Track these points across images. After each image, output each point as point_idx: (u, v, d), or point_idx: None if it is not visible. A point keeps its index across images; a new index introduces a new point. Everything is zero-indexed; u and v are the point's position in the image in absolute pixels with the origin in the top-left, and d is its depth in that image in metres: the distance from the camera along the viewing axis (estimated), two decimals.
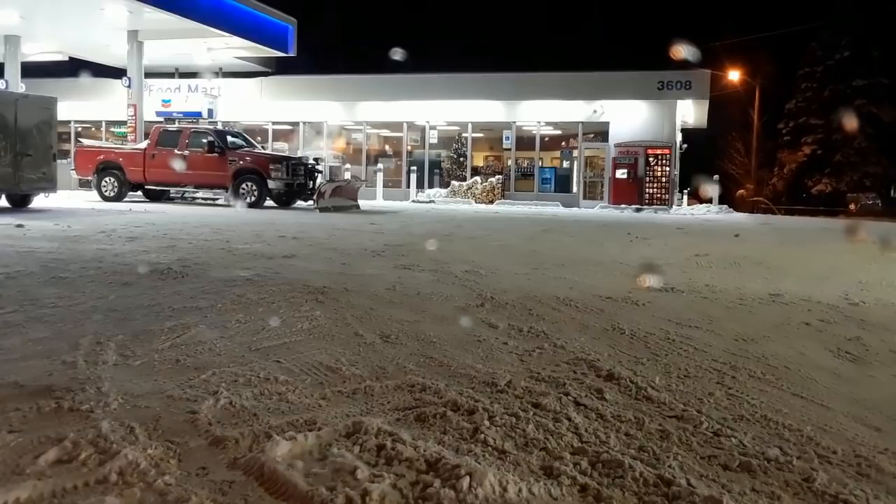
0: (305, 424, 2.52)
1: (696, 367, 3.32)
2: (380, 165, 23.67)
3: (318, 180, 16.79)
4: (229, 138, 16.98)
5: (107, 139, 26.45)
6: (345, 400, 2.84)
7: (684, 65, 22.33)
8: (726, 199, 29.14)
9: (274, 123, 26.57)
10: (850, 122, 34.06)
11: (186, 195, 17.77)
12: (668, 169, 22.53)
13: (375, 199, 21.52)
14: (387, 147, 27.11)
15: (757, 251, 8.43)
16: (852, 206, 37.73)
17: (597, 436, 2.50)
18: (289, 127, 27.01)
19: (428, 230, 10.87)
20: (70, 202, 15.39)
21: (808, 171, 41.84)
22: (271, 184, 15.78)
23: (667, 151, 22.55)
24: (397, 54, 21.16)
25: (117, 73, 23.92)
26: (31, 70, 22.67)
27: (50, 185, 13.18)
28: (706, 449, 2.45)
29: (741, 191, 42.39)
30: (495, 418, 2.57)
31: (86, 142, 20.12)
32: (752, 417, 2.74)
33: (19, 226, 9.06)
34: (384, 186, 22.89)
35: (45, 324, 3.86)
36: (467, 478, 2.06)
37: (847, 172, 40.73)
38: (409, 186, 23.62)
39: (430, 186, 24.51)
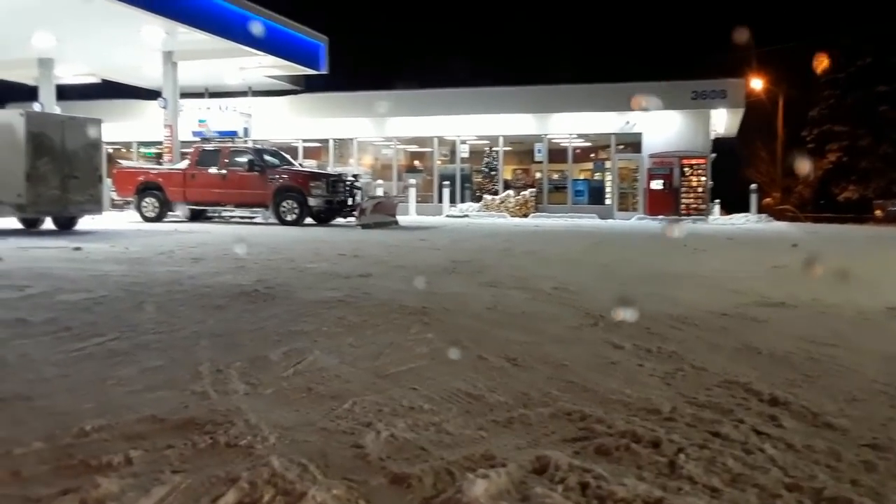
0: (483, 459, 2.36)
1: (858, 389, 3.13)
2: (412, 181, 23.62)
3: (358, 197, 16.72)
4: (267, 156, 16.97)
5: (137, 160, 26.64)
6: (503, 430, 2.68)
7: (719, 73, 22.15)
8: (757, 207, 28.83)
9: (304, 141, 26.63)
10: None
11: (224, 214, 17.76)
12: (703, 179, 22.29)
13: (409, 215, 21.43)
14: (416, 162, 27.08)
15: (830, 261, 8.20)
16: (879, 213, 37.18)
17: (800, 468, 2.32)
18: (318, 144, 27.07)
19: (480, 245, 10.72)
20: (112, 223, 15.39)
21: (834, 179, 41.38)
22: (312, 201, 15.72)
23: (702, 161, 22.33)
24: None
25: (148, 94, 24.12)
26: (62, 92, 22.87)
27: (96, 206, 13.19)
28: None
29: (767, 199, 41.90)
30: (686, 450, 2.40)
31: (125, 163, 20.21)
32: None
33: (77, 248, 9.01)
34: (416, 202, 22.83)
35: (154, 351, 3.74)
36: None
37: (874, 179, 40.22)
38: (441, 201, 23.52)
39: (462, 201, 24.40)
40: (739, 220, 21.67)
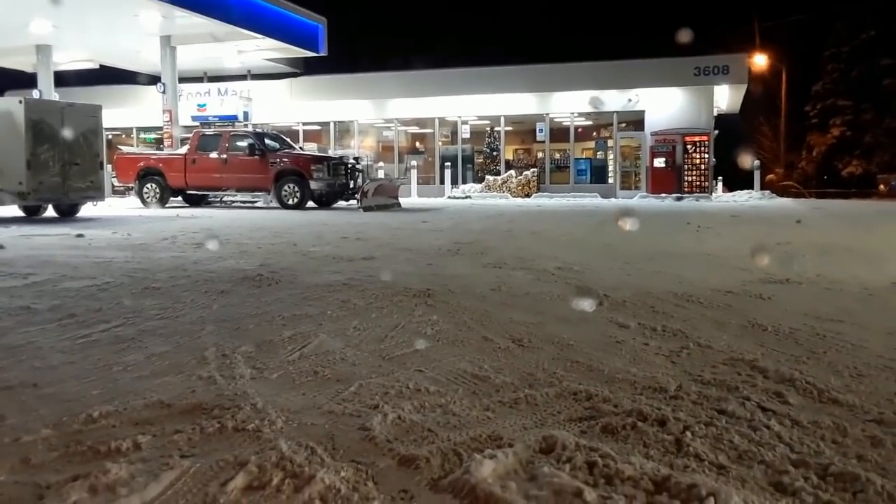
0: (490, 440, 2.37)
1: (864, 364, 3.13)
2: (413, 162, 23.54)
3: (360, 180, 16.68)
4: (267, 140, 16.91)
5: (137, 145, 26.58)
6: (509, 411, 2.69)
7: (722, 49, 22.00)
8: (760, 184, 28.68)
9: (304, 124, 26.52)
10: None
11: (226, 199, 17.74)
12: (706, 156, 22.20)
13: (410, 197, 21.39)
14: (418, 144, 26.97)
15: (834, 237, 8.19)
16: (882, 187, 37.02)
17: (805, 444, 2.32)
18: (318, 127, 26.96)
19: (484, 226, 10.71)
20: (113, 210, 15.38)
21: (837, 154, 41.21)
22: (313, 184, 15.68)
23: (705, 138, 22.22)
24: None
25: (147, 79, 24.01)
26: (61, 79, 22.78)
27: (97, 193, 13.17)
28: None
29: (771, 175, 41.76)
30: (692, 428, 2.40)
31: (125, 148, 20.16)
32: None
33: (79, 235, 9.01)
34: (417, 183, 22.78)
35: (159, 337, 3.74)
36: (711, 499, 1.89)
37: (877, 153, 40.06)
38: (443, 182, 23.46)
39: (464, 182, 24.34)
40: (743, 197, 21.60)
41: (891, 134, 39.54)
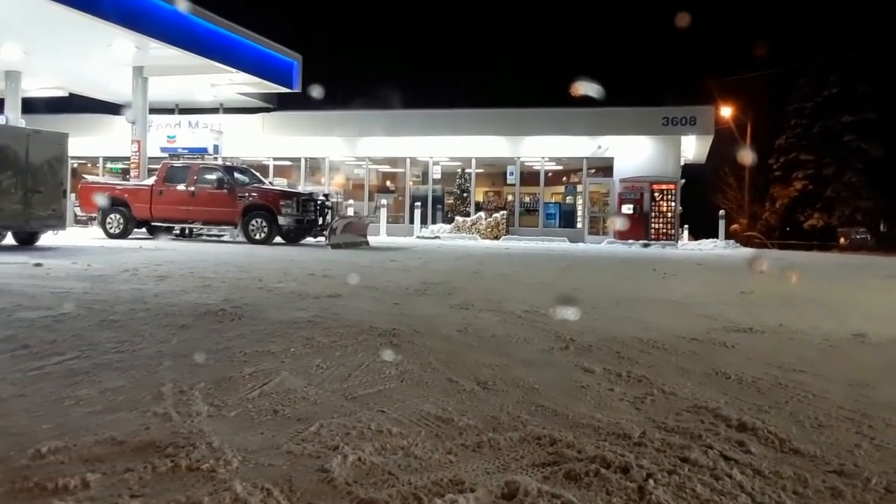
0: (452, 484, 2.32)
1: (825, 415, 3.15)
2: (383, 201, 23.59)
3: (329, 217, 16.63)
4: (237, 174, 16.82)
5: (103, 175, 26.25)
6: (472, 455, 2.64)
7: (689, 100, 22.56)
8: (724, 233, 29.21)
9: (275, 159, 26.47)
10: None
11: (192, 232, 17.54)
12: (673, 204, 22.59)
13: (379, 235, 21.36)
14: (388, 182, 27.06)
15: (798, 288, 8.32)
16: (842, 240, 37.89)
17: (767, 495, 2.31)
18: (289, 162, 26.93)
19: (452, 267, 10.70)
20: (75, 239, 15.10)
21: (800, 206, 42.24)
22: (281, 220, 15.60)
23: (672, 187, 22.64)
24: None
25: (116, 108, 23.83)
26: (28, 105, 22.54)
27: (59, 222, 12.93)
28: None
29: (735, 225, 42.57)
30: (655, 476, 2.38)
31: (90, 178, 19.88)
32: None
33: (38, 265, 8.80)
34: (387, 222, 22.79)
35: (115, 371, 3.64)
36: None
37: (838, 207, 41.15)
38: (412, 222, 23.50)
39: (433, 222, 24.41)
40: (708, 246, 21.96)
41: (851, 188, 40.73)
